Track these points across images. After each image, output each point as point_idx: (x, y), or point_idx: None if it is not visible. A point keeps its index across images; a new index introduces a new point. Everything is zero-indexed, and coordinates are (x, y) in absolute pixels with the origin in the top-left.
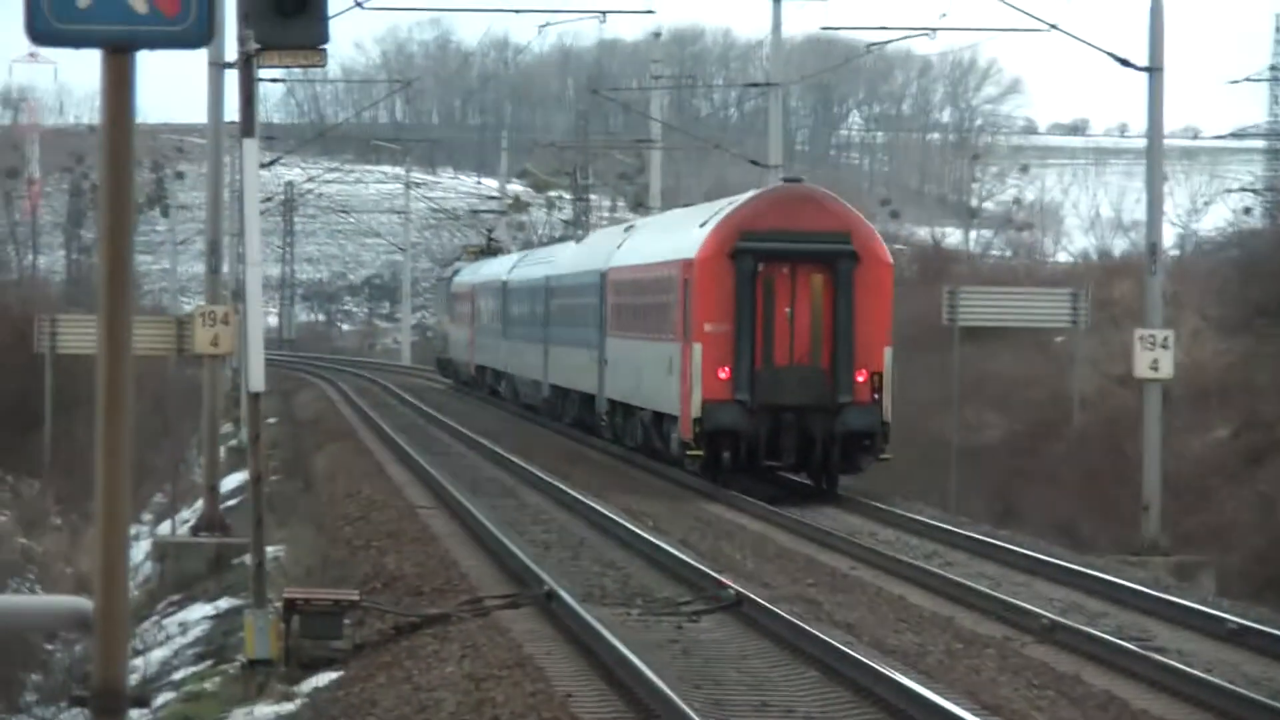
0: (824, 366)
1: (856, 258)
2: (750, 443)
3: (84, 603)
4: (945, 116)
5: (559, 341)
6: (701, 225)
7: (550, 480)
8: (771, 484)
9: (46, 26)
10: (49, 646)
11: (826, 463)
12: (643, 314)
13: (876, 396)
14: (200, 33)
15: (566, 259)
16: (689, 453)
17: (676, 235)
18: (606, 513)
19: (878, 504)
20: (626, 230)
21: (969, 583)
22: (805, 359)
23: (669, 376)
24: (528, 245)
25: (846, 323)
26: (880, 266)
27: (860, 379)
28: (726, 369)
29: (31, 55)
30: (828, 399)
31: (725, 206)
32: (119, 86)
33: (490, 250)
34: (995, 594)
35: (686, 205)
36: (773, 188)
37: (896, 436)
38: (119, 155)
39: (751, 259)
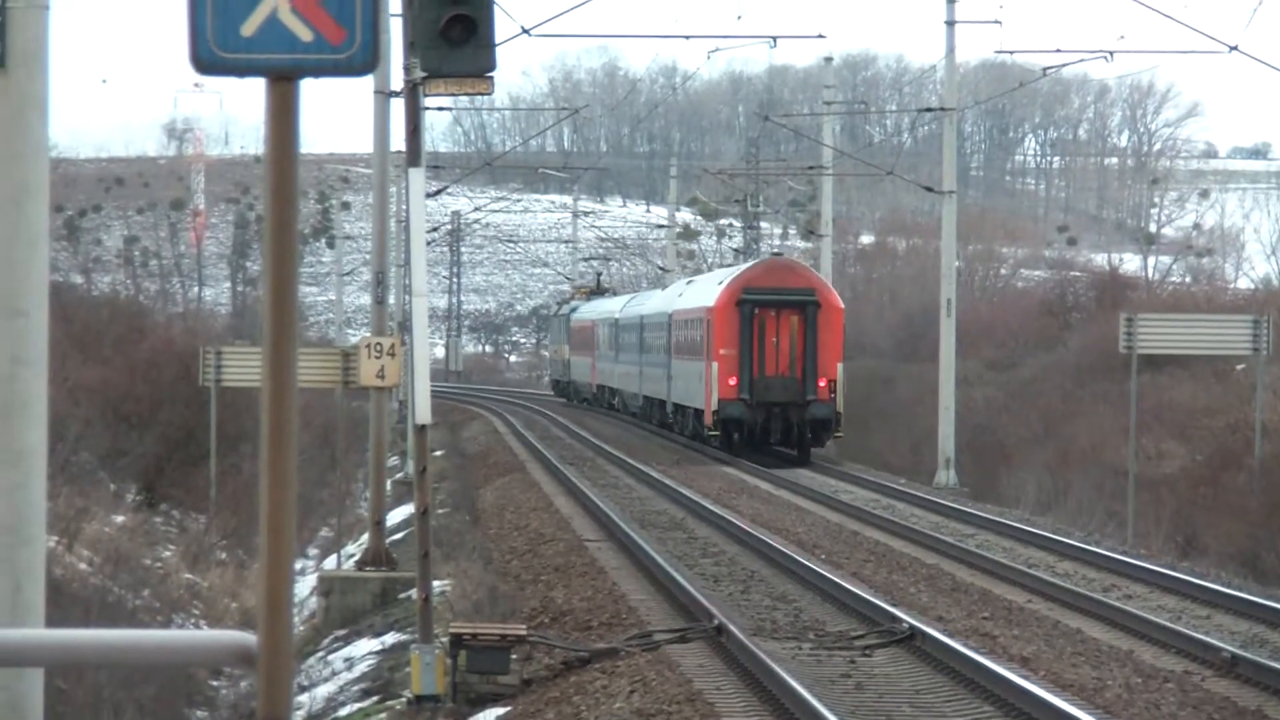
0: (798, 376)
1: (819, 305)
2: (750, 427)
3: (247, 637)
4: (1123, 140)
5: (648, 364)
6: (719, 284)
7: (720, 513)
8: (769, 455)
9: (210, 55)
10: (214, 682)
11: (800, 440)
12: (687, 343)
13: (832, 396)
14: (365, 60)
15: (653, 303)
16: (709, 433)
17: (705, 289)
18: (777, 545)
19: (1024, 526)
20: (687, 283)
21: (1149, 616)
22: (785, 371)
23: (700, 384)
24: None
25: (812, 347)
26: (834, 311)
27: (822, 384)
28: (734, 378)
29: (197, 86)
30: (800, 397)
31: (735, 271)
32: (283, 115)
33: (599, 290)
34: (1176, 627)
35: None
36: (765, 260)
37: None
38: (283, 185)
39: (750, 306)
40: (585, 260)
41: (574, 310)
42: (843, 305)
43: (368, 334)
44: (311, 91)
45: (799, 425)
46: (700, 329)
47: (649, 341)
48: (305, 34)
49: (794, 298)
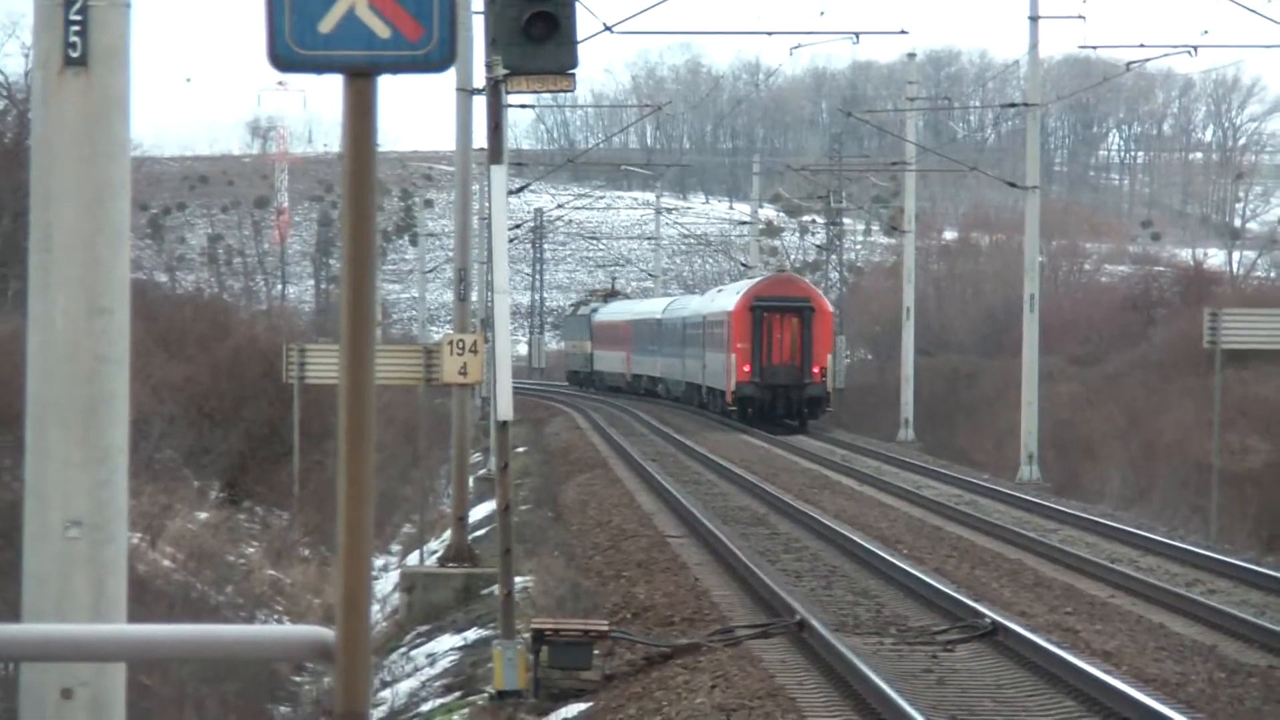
0: (797, 364)
1: (813, 310)
2: (760, 404)
3: (326, 632)
4: (1207, 135)
5: (689, 356)
6: (737, 293)
7: (802, 508)
8: (776, 425)
9: (288, 52)
10: (297, 678)
11: (799, 413)
12: (715, 338)
13: (824, 379)
14: (443, 57)
15: (693, 306)
16: (729, 408)
17: (727, 297)
18: (860, 540)
19: (1103, 520)
20: (718, 291)
21: (1232, 611)
22: (788, 360)
23: (723, 372)
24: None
25: (808, 342)
26: (825, 314)
27: (815, 370)
28: (748, 366)
29: (281, 84)
30: (799, 380)
31: (749, 283)
32: (361, 112)
33: (614, 293)
34: (1260, 622)
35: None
36: (772, 275)
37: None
38: (361, 181)
39: (760, 310)
40: (597, 273)
41: (594, 311)
42: (832, 310)
43: (450, 331)
44: (394, 89)
45: (798, 402)
46: (723, 328)
47: (689, 337)
48: (383, 30)
49: (794, 304)
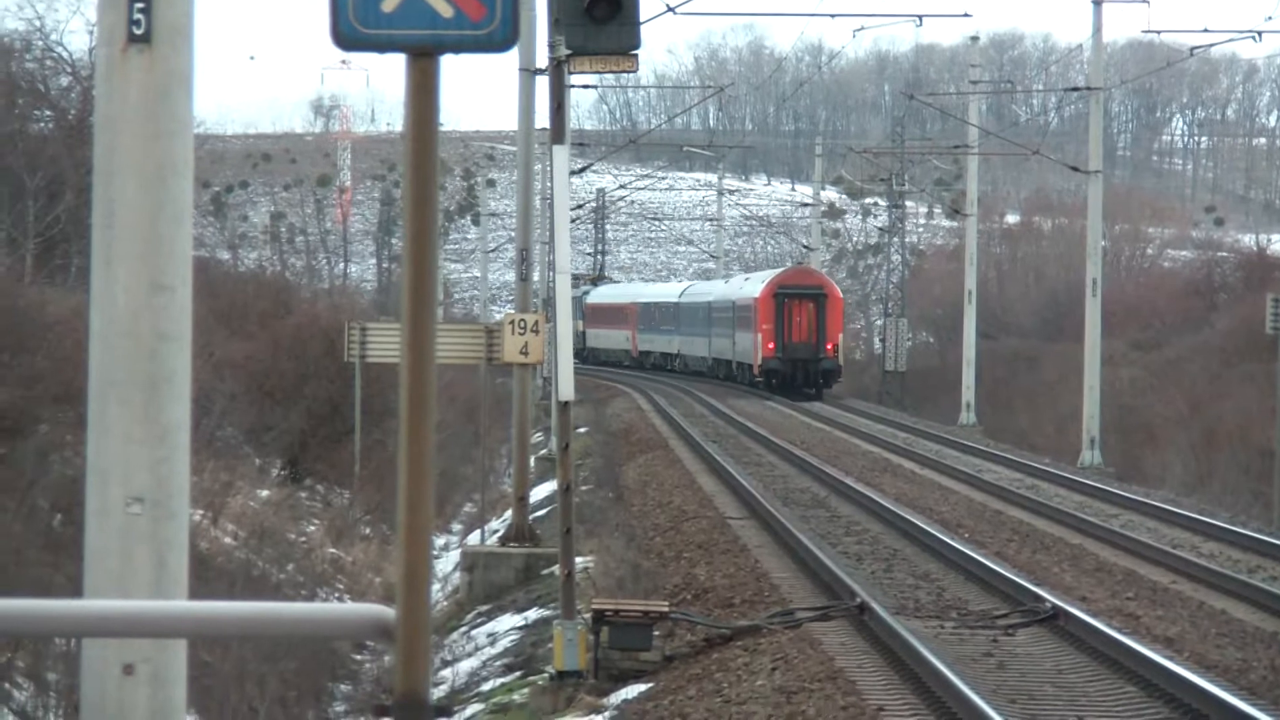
0: (813, 343)
1: (826, 296)
2: (782, 377)
3: (386, 611)
4: (1271, 120)
5: (716, 335)
6: (763, 282)
7: (863, 490)
8: (795, 393)
9: (351, 31)
10: (357, 656)
11: (816, 384)
12: (746, 320)
13: (835, 354)
14: (505, 36)
15: (719, 291)
16: (756, 379)
17: (754, 285)
18: (920, 524)
19: (1180, 510)
20: (746, 280)
21: None
22: (805, 339)
23: (752, 347)
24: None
25: (822, 324)
26: (836, 300)
27: (829, 347)
28: (772, 344)
29: (344, 63)
30: (814, 356)
31: (772, 274)
32: (423, 91)
33: (602, 277)
34: None
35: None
36: (791, 267)
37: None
38: (423, 160)
39: (783, 296)
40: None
41: (586, 294)
42: (841, 295)
43: (512, 310)
44: (457, 68)
45: (814, 374)
46: (751, 311)
47: (716, 319)
48: (446, 10)
49: (810, 291)
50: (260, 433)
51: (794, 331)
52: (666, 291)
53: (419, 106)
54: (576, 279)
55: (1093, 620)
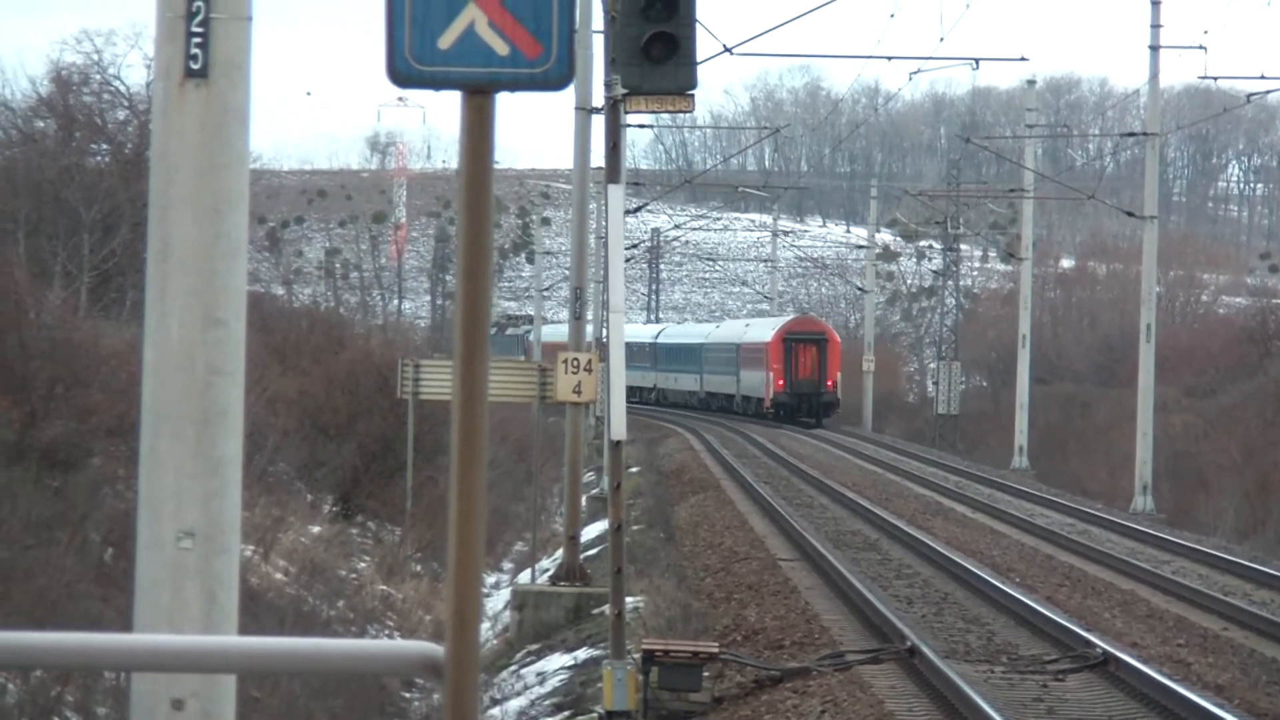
0: (815, 380)
1: (827, 341)
2: (790, 408)
3: (434, 648)
4: None
5: (709, 373)
6: (772, 329)
7: (914, 533)
8: (799, 426)
9: (407, 68)
10: (406, 694)
11: (817, 414)
12: (754, 360)
13: (834, 390)
14: (561, 75)
15: (714, 333)
16: (767, 411)
17: (763, 330)
18: (971, 567)
19: (1220, 554)
20: (746, 325)
21: None
22: (809, 376)
23: (762, 384)
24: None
25: (823, 365)
26: (835, 344)
27: (829, 384)
28: (781, 381)
29: (400, 100)
30: (817, 391)
31: (781, 320)
32: (478, 129)
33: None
34: None
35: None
36: (797, 316)
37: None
38: (477, 198)
39: (791, 341)
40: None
41: (528, 334)
42: (839, 340)
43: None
44: (514, 106)
45: (816, 406)
46: (762, 353)
47: (711, 358)
48: (501, 48)
49: (813, 337)
50: (312, 468)
51: (800, 370)
52: (650, 332)
53: (474, 144)
54: (504, 319)
55: (1143, 666)
